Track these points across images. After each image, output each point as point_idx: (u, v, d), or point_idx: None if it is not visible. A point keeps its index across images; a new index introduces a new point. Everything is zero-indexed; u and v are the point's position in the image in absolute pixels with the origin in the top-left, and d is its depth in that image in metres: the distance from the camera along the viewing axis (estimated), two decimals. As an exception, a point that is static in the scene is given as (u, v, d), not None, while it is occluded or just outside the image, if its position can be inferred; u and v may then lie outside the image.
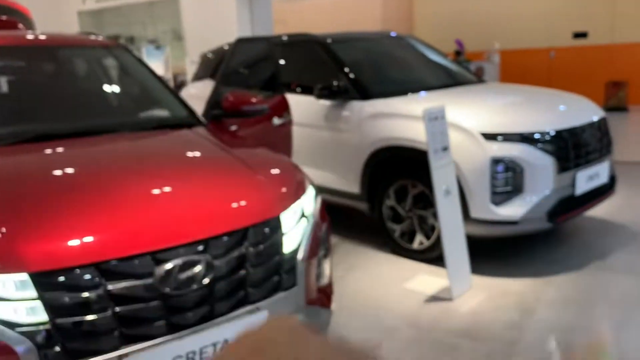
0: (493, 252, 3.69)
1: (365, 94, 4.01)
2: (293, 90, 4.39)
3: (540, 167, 3.30)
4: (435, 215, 3.26)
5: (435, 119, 3.09)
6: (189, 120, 2.88)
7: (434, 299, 3.14)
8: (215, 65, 5.40)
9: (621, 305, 2.94)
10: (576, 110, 3.81)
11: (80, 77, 3.34)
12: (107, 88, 3.34)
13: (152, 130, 2.70)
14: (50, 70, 3.16)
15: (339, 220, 4.22)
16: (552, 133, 3.39)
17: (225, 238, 1.80)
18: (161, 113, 3.07)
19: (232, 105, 3.05)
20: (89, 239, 1.58)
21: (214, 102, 3.19)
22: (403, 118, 3.69)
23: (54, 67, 3.17)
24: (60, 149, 2.25)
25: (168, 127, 2.79)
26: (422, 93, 4.07)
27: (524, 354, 2.55)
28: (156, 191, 1.89)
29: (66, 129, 2.51)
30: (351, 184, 4.01)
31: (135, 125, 2.77)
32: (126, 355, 1.52)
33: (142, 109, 3.15)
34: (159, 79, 3.23)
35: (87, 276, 1.53)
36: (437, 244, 3.41)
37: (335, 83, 4.07)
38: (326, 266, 2.36)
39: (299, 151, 3.91)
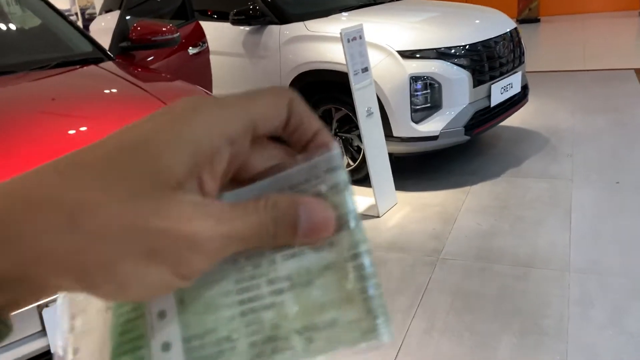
0: (415, 168, 3.82)
1: (283, 18, 3.88)
2: (208, 17, 4.19)
3: (456, 82, 3.38)
4: (360, 137, 3.31)
5: (354, 40, 3.05)
6: (94, 55, 2.70)
7: (362, 217, 3.21)
8: (122, -6, 5.04)
9: (535, 208, 3.16)
10: (489, 23, 3.88)
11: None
12: (0, 26, 3.05)
13: (53, 69, 2.52)
14: None
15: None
16: (467, 47, 3.45)
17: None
18: (62, 49, 2.85)
19: (140, 37, 2.88)
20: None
21: (120, 34, 2.99)
22: (322, 40, 3.63)
23: None
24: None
25: (71, 64, 2.61)
26: (343, 13, 3.99)
27: (447, 261, 2.71)
28: (61, 133, 1.78)
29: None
30: (275, 112, 3.95)
31: (33, 64, 2.57)
32: (46, 305, 1.48)
33: (40, 46, 2.92)
34: (58, 12, 2.98)
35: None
36: (364, 165, 3.48)
37: (250, 7, 3.91)
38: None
39: (219, 81, 3.79)
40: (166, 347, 0.27)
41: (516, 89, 3.88)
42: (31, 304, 0.26)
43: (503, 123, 4.02)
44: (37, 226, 0.24)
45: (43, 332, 1.48)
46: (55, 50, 2.87)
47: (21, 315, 1.45)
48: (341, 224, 0.28)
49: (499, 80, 3.64)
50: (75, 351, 0.30)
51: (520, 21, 10.12)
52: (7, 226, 0.24)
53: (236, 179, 0.29)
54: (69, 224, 0.24)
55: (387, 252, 2.84)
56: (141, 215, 0.24)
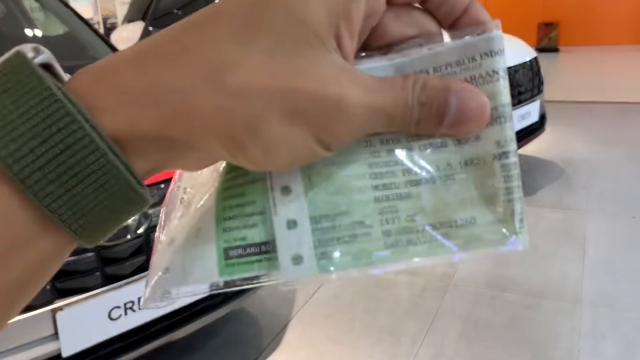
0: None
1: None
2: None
3: (474, 108, 3.39)
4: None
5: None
6: (118, 65, 2.75)
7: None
8: (148, 6, 5.15)
9: (548, 238, 3.14)
10: (510, 52, 3.88)
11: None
12: (26, 32, 3.12)
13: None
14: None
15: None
16: (486, 74, 3.47)
17: (162, 185, 1.77)
18: (87, 57, 2.91)
19: (164, 49, 2.93)
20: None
21: (144, 46, 3.05)
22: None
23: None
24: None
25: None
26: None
27: (458, 287, 2.69)
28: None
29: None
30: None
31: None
32: (60, 308, 1.49)
33: (65, 54, 2.98)
34: (84, 21, 3.05)
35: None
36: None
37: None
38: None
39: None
40: (292, 224, 0.25)
41: (534, 117, 3.88)
42: (176, 168, 0.25)
43: (519, 151, 3.99)
44: (177, 82, 0.22)
45: (55, 335, 1.49)
46: (80, 58, 2.93)
47: (34, 318, 1.46)
48: (493, 117, 0.25)
49: (517, 108, 3.64)
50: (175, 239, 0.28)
51: (540, 50, 10.14)
52: (144, 82, 0.22)
53: (367, 47, 0.26)
54: (210, 80, 0.22)
55: (397, 275, 2.82)
56: (283, 74, 0.22)
